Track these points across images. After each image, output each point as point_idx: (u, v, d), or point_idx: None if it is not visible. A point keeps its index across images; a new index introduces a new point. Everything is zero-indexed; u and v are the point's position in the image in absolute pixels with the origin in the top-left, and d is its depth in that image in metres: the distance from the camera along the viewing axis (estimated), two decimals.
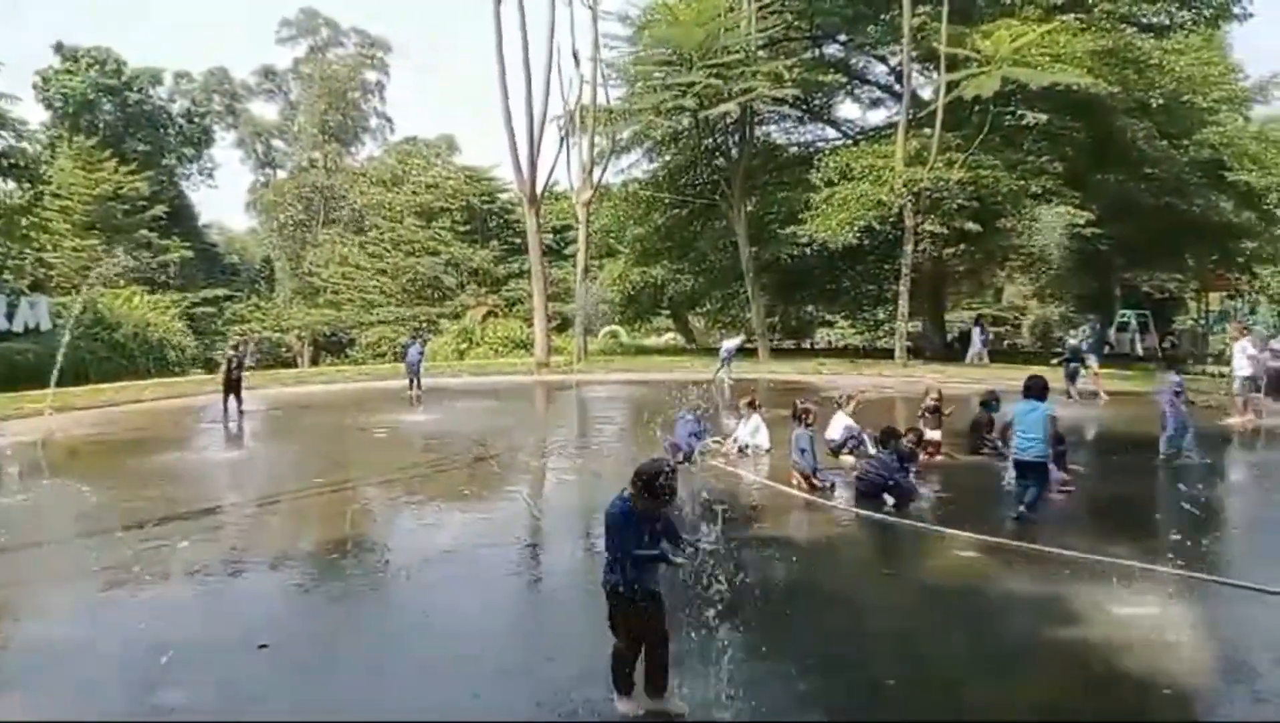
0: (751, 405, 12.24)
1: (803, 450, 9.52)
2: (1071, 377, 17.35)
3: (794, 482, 9.51)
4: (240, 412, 16.44)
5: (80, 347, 25.26)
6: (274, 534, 8.23)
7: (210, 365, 38.46)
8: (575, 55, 30.44)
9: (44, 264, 36.36)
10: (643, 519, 4.21)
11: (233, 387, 16.49)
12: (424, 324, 40.71)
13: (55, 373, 16.34)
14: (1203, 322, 42.33)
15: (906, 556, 7.52)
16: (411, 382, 20.16)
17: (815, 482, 9.41)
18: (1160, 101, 27.82)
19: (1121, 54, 26.25)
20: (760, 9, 29.43)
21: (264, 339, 43.70)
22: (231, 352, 17.75)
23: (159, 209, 45.26)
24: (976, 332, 29.13)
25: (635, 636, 4.31)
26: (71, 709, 4.56)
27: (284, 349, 48.42)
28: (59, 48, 49.66)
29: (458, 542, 7.67)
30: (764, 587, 6.17)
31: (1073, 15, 26.05)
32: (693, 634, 4.63)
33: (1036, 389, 7.92)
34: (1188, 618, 5.67)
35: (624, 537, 4.19)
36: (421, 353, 21.65)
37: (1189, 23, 28.65)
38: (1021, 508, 7.75)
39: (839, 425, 11.33)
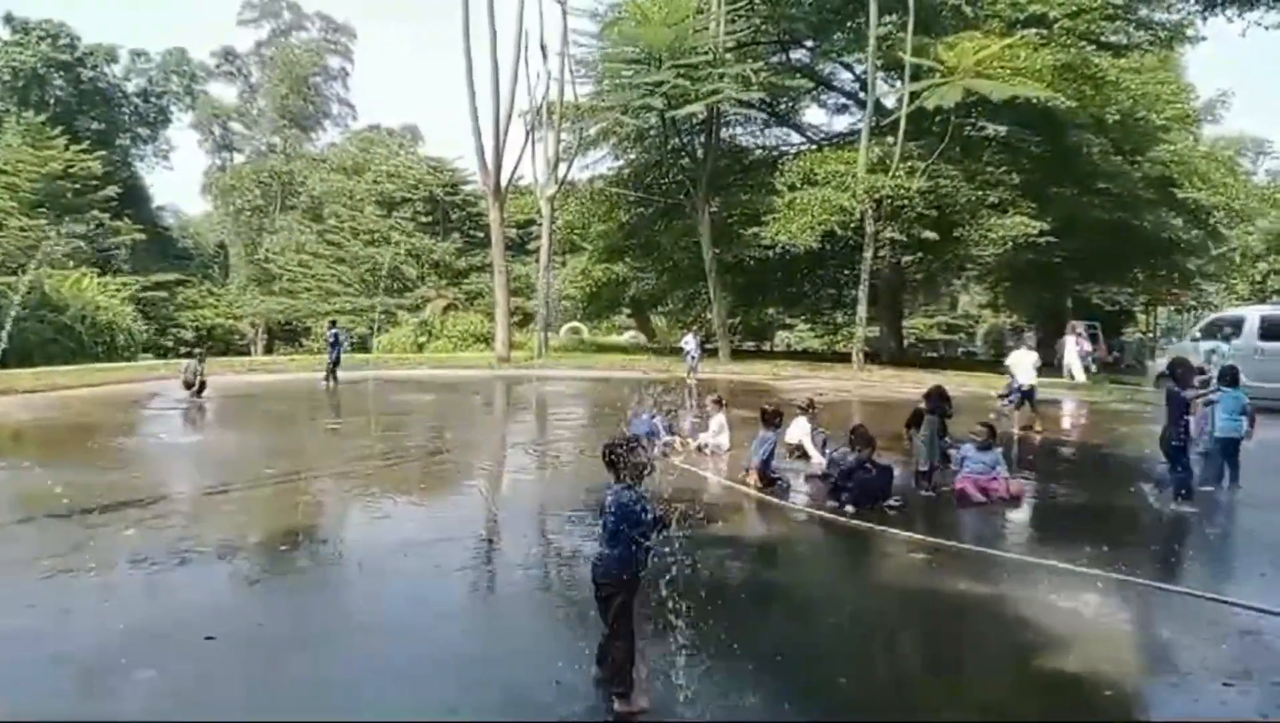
0: (718, 404, 12.29)
1: (763, 451, 9.58)
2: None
3: (750, 481, 9.57)
4: (199, 396, 16.47)
5: (25, 328, 24.56)
6: (223, 523, 8.06)
7: (160, 351, 37.68)
8: (543, 49, 30.35)
9: None
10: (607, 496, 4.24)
11: (191, 387, 16.75)
12: (382, 315, 40.24)
13: None
14: (1150, 335, 43.53)
15: (856, 553, 7.60)
16: (331, 369, 20.01)
17: (769, 478, 9.51)
18: (1116, 118, 28.60)
19: (1080, 70, 26.90)
20: (729, 12, 29.63)
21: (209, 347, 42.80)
22: (193, 361, 17.48)
23: (111, 190, 44.15)
24: (1071, 341, 24.48)
25: (629, 625, 4.22)
26: (10, 694, 4.43)
27: (237, 337, 47.53)
28: (8, 19, 48.26)
29: (411, 536, 7.58)
30: (717, 583, 6.20)
31: (1034, 30, 26.61)
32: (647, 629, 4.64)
33: None
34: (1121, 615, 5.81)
35: (637, 520, 4.15)
36: (336, 340, 20.94)
37: (1145, 43, 29.43)
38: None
39: (798, 430, 11.42)
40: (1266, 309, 22.33)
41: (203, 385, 16.85)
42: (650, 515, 4.18)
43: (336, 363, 20.08)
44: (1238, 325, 20.67)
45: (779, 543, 8.11)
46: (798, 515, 8.80)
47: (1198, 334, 21.88)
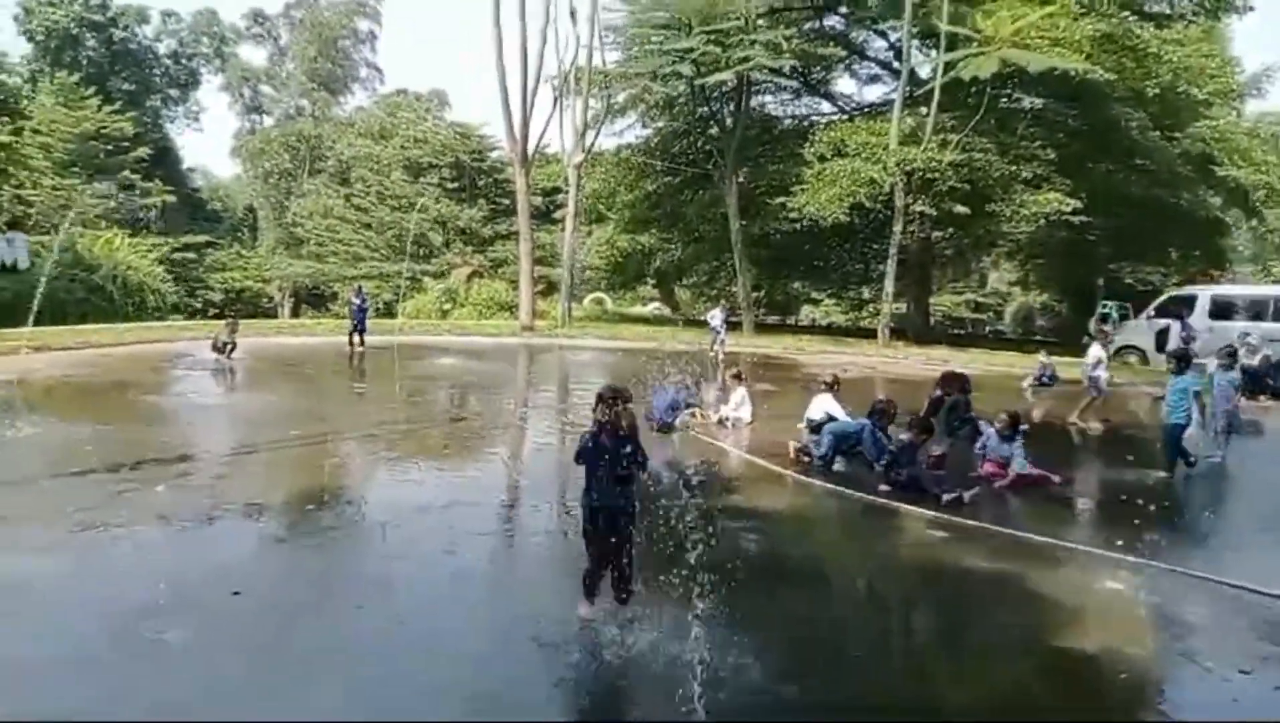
0: (737, 377, 12.32)
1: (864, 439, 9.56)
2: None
3: (791, 452, 9.61)
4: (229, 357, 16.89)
5: (58, 287, 24.95)
6: (250, 483, 8.22)
7: (189, 312, 38.17)
8: (573, 14, 30.03)
9: (22, 201, 35.69)
10: (610, 442, 4.91)
11: (220, 351, 17.04)
12: (408, 281, 40.46)
13: (33, 312, 16.17)
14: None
15: (881, 531, 7.62)
16: (358, 333, 19.96)
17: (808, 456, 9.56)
18: (1156, 92, 27.81)
19: (1121, 41, 26.16)
20: None
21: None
22: (224, 325, 17.75)
23: (142, 151, 44.42)
24: (1176, 327, 20.10)
25: (604, 551, 4.97)
26: (42, 643, 4.59)
27: (265, 300, 47.97)
28: None
29: (433, 499, 7.71)
30: (740, 559, 6.27)
31: None
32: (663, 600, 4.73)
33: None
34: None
35: (594, 460, 4.95)
36: (364, 306, 20.87)
37: (1190, 13, 28.59)
38: None
39: (820, 406, 11.37)
40: (1218, 289, 22.73)
41: (234, 347, 17.13)
42: (613, 456, 4.93)
43: (363, 329, 20.15)
44: (1190, 304, 21.12)
45: (803, 518, 8.14)
46: (820, 491, 8.81)
47: (1152, 312, 22.28)
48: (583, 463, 5.01)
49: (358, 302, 20.63)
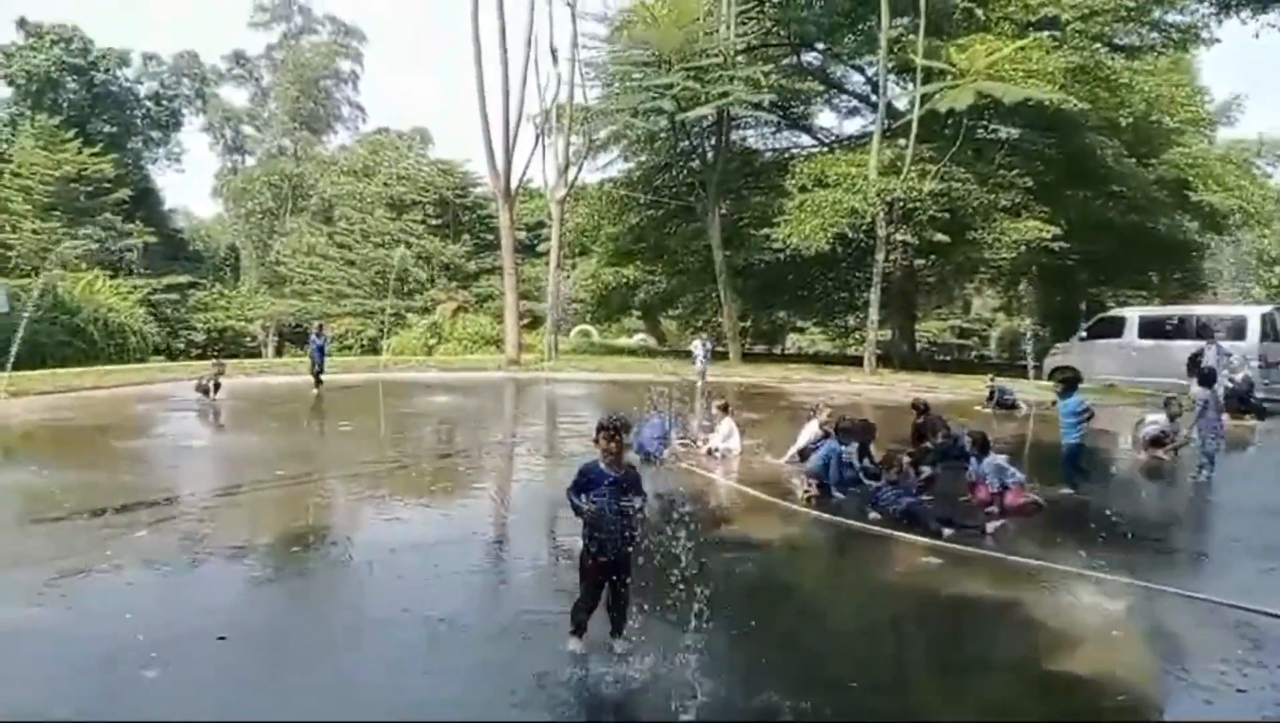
0: (724, 409, 12.35)
1: (825, 460, 9.57)
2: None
3: (804, 488, 9.52)
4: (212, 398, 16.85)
5: (39, 330, 24.76)
6: (235, 525, 8.14)
7: (171, 353, 37.91)
8: (554, 52, 30.39)
9: (2, 245, 35.57)
10: (614, 473, 4.91)
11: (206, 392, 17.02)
12: (392, 318, 40.38)
13: (12, 356, 16.04)
14: None
15: (874, 562, 7.61)
16: (316, 374, 19.51)
17: (820, 492, 9.37)
18: (1129, 120, 28.45)
19: (1093, 72, 26.78)
20: (739, 14, 29.65)
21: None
22: (212, 372, 17.61)
23: (123, 192, 44.35)
24: (1212, 351, 17.39)
25: (600, 582, 4.94)
26: (24, 692, 4.50)
27: (248, 339, 47.75)
28: (22, 23, 48.53)
29: (420, 538, 7.64)
30: (736, 586, 6.24)
31: (1046, 33, 26.48)
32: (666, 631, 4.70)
33: None
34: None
35: (597, 490, 4.91)
36: (324, 345, 20.53)
37: (1159, 44, 29.28)
38: None
39: (808, 433, 11.40)
40: (1147, 310, 23.67)
41: (219, 388, 17.06)
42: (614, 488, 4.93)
43: (321, 369, 19.69)
44: (1119, 325, 22.65)
45: (808, 552, 8.12)
46: (826, 520, 8.80)
47: (1084, 333, 23.24)
48: (583, 493, 4.93)
49: (319, 341, 20.29)
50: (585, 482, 4.95)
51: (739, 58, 30.07)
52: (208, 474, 10.76)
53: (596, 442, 5.03)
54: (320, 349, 20.07)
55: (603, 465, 4.95)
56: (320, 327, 22.08)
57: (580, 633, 5.01)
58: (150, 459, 11.74)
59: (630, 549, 4.92)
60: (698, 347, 22.45)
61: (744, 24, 30.04)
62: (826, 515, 8.64)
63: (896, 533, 7.90)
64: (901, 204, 25.92)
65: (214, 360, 18.82)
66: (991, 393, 17.84)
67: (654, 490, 5.10)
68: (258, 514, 8.62)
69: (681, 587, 4.65)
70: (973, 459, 9.26)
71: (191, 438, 13.82)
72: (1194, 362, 12.88)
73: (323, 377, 19.74)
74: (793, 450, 11.23)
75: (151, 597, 6.07)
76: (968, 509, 8.77)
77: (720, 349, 29.57)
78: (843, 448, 9.71)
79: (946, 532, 7.81)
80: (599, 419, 5.10)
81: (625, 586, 4.96)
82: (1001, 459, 9.05)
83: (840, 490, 9.42)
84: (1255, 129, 41.18)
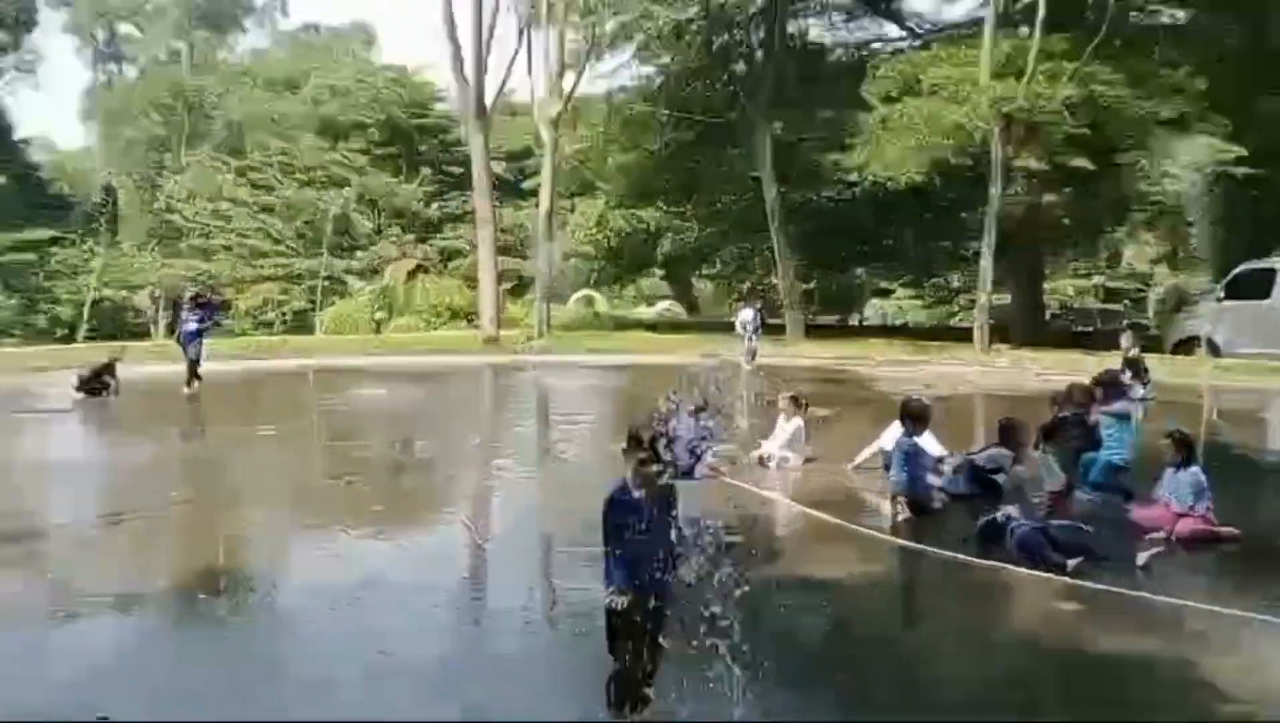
0: (795, 402, 12.18)
1: (905, 465, 9.54)
2: None
3: (896, 506, 9.53)
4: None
5: None
6: (119, 565, 8.18)
7: (31, 332, 38.19)
8: None
9: None
10: (649, 500, 4.78)
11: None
12: (326, 282, 40.52)
13: None
14: None
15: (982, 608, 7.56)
16: (190, 366, 18.36)
17: (922, 501, 9.45)
18: None
19: None
20: None
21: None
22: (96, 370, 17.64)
23: None
24: None
25: (639, 645, 4.77)
26: None
27: (132, 313, 48.05)
28: None
29: (368, 578, 7.66)
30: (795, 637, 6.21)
31: None
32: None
33: None
34: None
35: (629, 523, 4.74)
36: (201, 324, 19.01)
37: None
38: None
39: (891, 434, 11.32)
40: None
41: (106, 387, 17.29)
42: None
43: (197, 358, 18.44)
44: (1268, 280, 22.73)
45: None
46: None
47: (1221, 292, 22.72)
48: (613, 529, 4.78)
49: (194, 319, 18.78)
50: (621, 523, 4.77)
51: None
52: (84, 499, 10.79)
53: (625, 455, 4.85)
54: (196, 332, 18.65)
55: (635, 492, 4.78)
56: (196, 297, 20.56)
57: (634, 708, 4.84)
58: (9, 479, 11.82)
59: (666, 602, 4.82)
60: (745, 317, 22.41)
61: None
62: (914, 544, 8.63)
63: (1009, 566, 7.84)
64: (1025, 117, 25.65)
65: (109, 355, 18.34)
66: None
67: (691, 515, 4.99)
68: (149, 551, 8.66)
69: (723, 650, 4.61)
70: (1168, 469, 9.11)
71: (62, 449, 13.92)
72: None
73: (200, 370, 18.56)
74: (866, 452, 11.20)
75: (6, 665, 6.10)
76: (1111, 528, 8.71)
77: (774, 320, 29.49)
78: (911, 440, 9.63)
79: (1071, 564, 7.71)
80: (630, 424, 4.93)
81: (658, 646, 4.85)
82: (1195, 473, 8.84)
83: (926, 496, 9.51)
84: None
